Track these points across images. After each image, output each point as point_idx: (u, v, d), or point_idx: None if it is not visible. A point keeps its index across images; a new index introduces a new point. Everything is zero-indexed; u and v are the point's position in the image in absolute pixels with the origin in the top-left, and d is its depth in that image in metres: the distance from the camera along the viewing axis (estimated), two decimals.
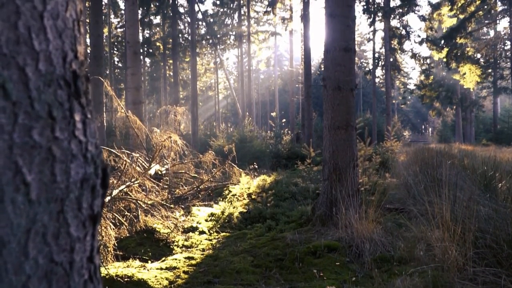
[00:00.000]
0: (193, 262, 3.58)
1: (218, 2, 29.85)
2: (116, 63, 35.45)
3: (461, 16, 19.73)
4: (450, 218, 3.40)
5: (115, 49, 33.72)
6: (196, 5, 23.25)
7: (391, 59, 26.06)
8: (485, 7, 19.95)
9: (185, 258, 3.68)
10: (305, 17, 14.42)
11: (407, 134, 43.79)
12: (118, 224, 4.46)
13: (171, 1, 23.26)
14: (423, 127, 70.07)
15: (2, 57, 0.46)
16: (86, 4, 14.16)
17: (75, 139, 0.54)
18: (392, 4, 23.77)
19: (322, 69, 4.77)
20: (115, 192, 4.76)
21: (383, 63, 27.34)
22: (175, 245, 4.11)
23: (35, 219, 0.49)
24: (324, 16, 4.35)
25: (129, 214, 4.68)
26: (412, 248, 3.47)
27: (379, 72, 33.36)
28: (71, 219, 0.53)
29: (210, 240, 4.39)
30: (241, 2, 28.40)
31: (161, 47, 29.81)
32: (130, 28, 9.50)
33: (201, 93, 45.53)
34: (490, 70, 26.75)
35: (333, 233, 3.94)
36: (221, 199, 6.46)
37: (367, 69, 43.46)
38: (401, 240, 3.74)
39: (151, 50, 28.99)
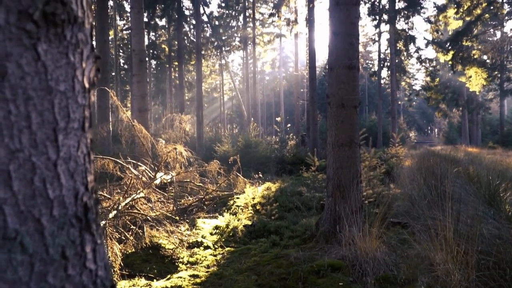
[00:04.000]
0: (198, 280, 3.63)
1: (223, 5, 29.91)
2: (121, 65, 35.67)
3: (468, 19, 19.63)
4: (453, 238, 3.41)
5: (121, 51, 33.92)
6: (201, 8, 23.33)
7: (397, 60, 25.99)
8: (491, 8, 19.84)
9: (190, 276, 3.73)
10: (310, 22, 14.44)
11: (413, 135, 43.65)
12: (124, 238, 4.51)
13: (176, 4, 23.37)
14: (429, 128, 69.75)
15: (19, 215, 0.50)
16: (92, 7, 14.28)
17: (86, 270, 0.58)
18: (397, 6, 23.70)
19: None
20: (121, 206, 4.82)
21: (388, 64, 27.28)
22: (180, 262, 4.15)
23: None
24: (328, 33, 4.37)
25: (134, 227, 4.73)
26: (415, 269, 3.49)
27: (384, 73, 33.27)
28: None
29: (215, 255, 4.43)
30: (246, 4, 28.44)
31: (167, 49, 29.94)
32: (136, 36, 9.57)
33: (206, 94, 45.68)
34: (496, 73, 26.59)
35: (337, 251, 3.97)
36: (225, 209, 6.50)
37: (372, 70, 43.37)
38: (404, 258, 3.76)
39: (156, 53, 29.11)
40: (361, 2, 23.70)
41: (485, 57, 23.12)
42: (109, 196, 5.35)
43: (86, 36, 0.61)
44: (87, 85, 0.61)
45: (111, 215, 4.52)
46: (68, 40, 0.57)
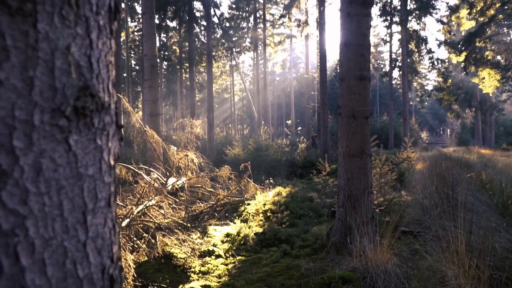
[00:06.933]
0: None
1: (234, 6, 29.99)
2: (133, 66, 35.99)
3: (481, 19, 19.38)
4: (465, 251, 3.39)
5: (132, 52, 34.23)
6: (212, 10, 23.43)
7: (408, 60, 25.77)
8: (505, 8, 19.55)
9: (202, 286, 3.77)
10: (320, 26, 14.42)
11: (425, 136, 43.24)
12: (136, 246, 4.58)
13: (187, 6, 23.49)
14: (441, 128, 68.97)
15: None
16: None
17: None
18: (409, 7, 23.49)
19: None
20: (133, 214, 4.88)
21: (400, 64, 27.06)
22: (192, 271, 4.20)
23: None
24: (339, 45, 4.38)
25: (147, 235, 4.79)
26: (427, 282, 3.48)
27: (396, 74, 33.02)
28: None
29: (226, 264, 4.47)
30: (257, 5, 28.48)
31: (178, 51, 30.12)
32: (148, 41, 9.66)
33: (217, 95, 45.81)
34: (510, 73, 26.19)
35: (348, 262, 3.97)
36: (236, 216, 6.54)
37: (383, 70, 43.06)
38: (415, 271, 3.75)
39: (167, 54, 29.31)
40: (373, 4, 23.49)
41: (498, 57, 22.82)
42: (122, 204, 5.42)
43: (112, 116, 0.64)
44: (112, 163, 0.65)
45: (124, 224, 4.58)
46: (96, 127, 0.60)
